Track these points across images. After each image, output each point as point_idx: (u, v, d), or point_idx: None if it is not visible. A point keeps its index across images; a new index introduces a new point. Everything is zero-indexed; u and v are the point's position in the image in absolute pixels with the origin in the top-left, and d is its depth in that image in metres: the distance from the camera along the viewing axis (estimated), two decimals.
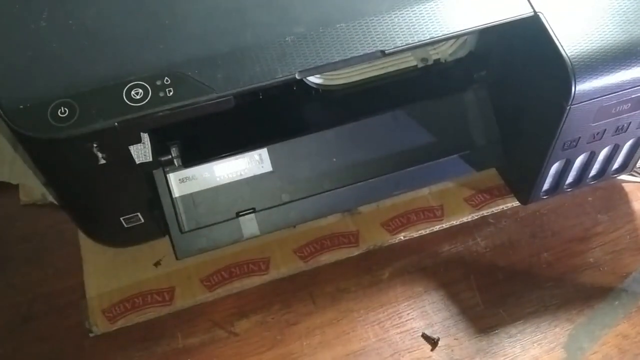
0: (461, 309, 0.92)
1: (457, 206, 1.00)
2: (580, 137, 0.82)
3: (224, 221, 0.83)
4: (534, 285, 0.94)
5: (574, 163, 0.87)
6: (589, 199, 1.02)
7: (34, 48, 0.69)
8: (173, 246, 0.81)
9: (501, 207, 1.01)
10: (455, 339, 0.90)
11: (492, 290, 0.94)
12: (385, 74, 0.88)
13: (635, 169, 0.97)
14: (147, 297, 0.91)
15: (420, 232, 0.98)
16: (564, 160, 0.86)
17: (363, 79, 0.88)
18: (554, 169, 0.87)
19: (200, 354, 0.89)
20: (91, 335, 0.89)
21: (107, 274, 0.93)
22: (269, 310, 0.92)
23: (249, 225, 0.84)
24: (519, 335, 0.90)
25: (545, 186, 0.91)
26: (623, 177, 0.96)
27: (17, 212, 1.01)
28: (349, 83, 0.87)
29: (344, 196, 0.88)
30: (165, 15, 0.72)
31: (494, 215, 1.01)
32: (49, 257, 0.96)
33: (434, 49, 0.89)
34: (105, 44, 0.70)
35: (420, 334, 0.90)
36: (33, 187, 1.00)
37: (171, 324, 0.91)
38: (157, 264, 0.93)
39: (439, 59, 0.89)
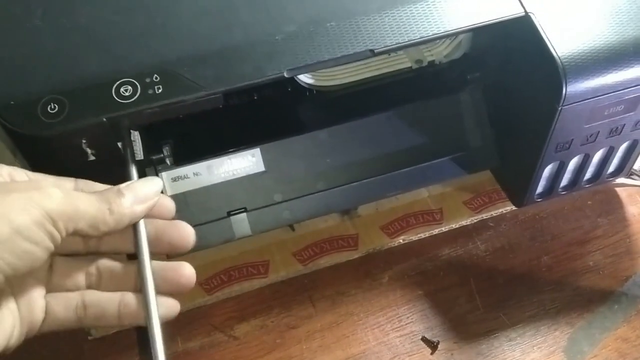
0: (461, 313, 0.92)
1: (456, 210, 1.01)
2: (573, 139, 0.82)
3: (216, 220, 0.83)
4: (533, 289, 0.94)
5: (567, 166, 0.87)
6: (589, 202, 1.02)
7: (27, 45, 0.70)
8: None
9: (501, 210, 1.01)
10: (455, 342, 0.90)
11: (491, 293, 0.94)
12: (379, 75, 0.88)
13: (635, 172, 0.97)
14: None
15: (419, 235, 0.99)
16: (557, 163, 0.86)
17: (357, 80, 0.88)
18: (547, 171, 0.87)
19: (200, 358, 0.89)
20: (90, 338, 0.90)
21: None
22: (268, 313, 0.93)
23: (241, 225, 0.84)
24: (518, 338, 0.90)
25: (539, 189, 0.90)
26: (623, 180, 0.96)
27: None
28: (343, 84, 0.87)
29: (337, 197, 0.88)
30: (157, 13, 0.73)
31: (493, 218, 1.01)
32: None
33: (429, 50, 0.89)
34: (96, 41, 0.71)
35: (420, 337, 0.90)
36: None
37: (170, 328, 0.90)
38: None
39: (433, 60, 0.89)
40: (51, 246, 0.54)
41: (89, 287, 0.63)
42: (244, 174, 0.84)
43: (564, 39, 0.74)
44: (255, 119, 0.88)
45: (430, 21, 0.74)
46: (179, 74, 0.69)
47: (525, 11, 0.76)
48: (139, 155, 0.73)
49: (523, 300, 0.93)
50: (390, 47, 0.73)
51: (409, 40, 0.73)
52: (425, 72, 0.90)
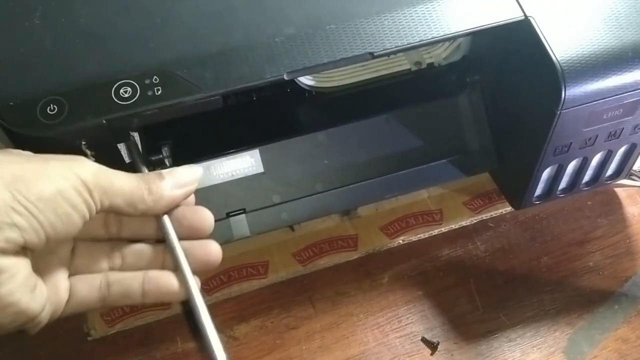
0: (461, 313, 0.92)
1: (456, 210, 1.01)
2: (572, 143, 0.81)
3: (215, 221, 0.83)
4: (533, 290, 0.94)
5: (566, 169, 0.87)
6: (589, 202, 1.02)
7: (27, 45, 0.70)
8: None
9: (500, 211, 1.01)
10: (454, 343, 0.90)
11: (491, 294, 0.94)
12: (378, 77, 0.88)
13: (635, 173, 0.97)
14: None
15: (419, 236, 0.99)
16: (556, 166, 0.86)
17: (357, 82, 0.88)
18: (546, 174, 0.87)
19: (200, 359, 0.89)
20: (90, 339, 0.90)
21: None
22: (268, 314, 0.93)
23: (239, 225, 0.84)
24: (518, 339, 0.90)
25: (538, 192, 0.90)
26: (622, 181, 0.96)
27: None
28: (342, 85, 0.88)
29: (335, 198, 0.88)
30: (156, 14, 0.73)
31: (493, 219, 1.01)
32: None
33: (428, 52, 0.89)
34: (96, 43, 0.71)
35: (420, 338, 0.90)
36: None
37: (170, 328, 0.91)
38: None
39: (432, 62, 0.89)
40: (87, 214, 0.56)
41: (112, 270, 0.65)
42: (243, 175, 0.84)
43: (563, 42, 0.74)
44: (254, 120, 0.88)
45: (429, 24, 0.74)
46: (179, 75, 0.69)
47: (525, 15, 0.75)
48: None
49: (523, 301, 0.93)
50: (390, 50, 0.73)
51: (408, 44, 0.73)
52: (424, 75, 0.90)
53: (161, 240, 0.66)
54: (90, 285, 0.63)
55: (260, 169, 0.84)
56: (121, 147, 0.72)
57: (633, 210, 1.02)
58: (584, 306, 0.92)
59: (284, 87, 0.85)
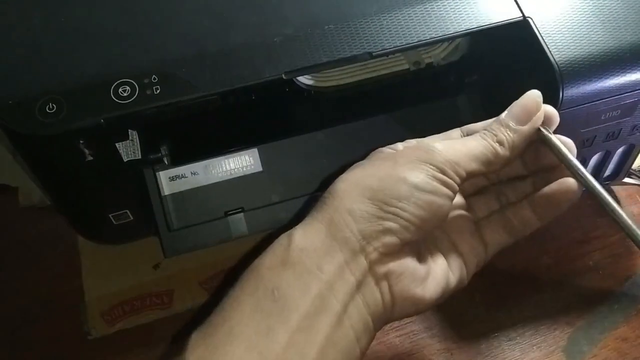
0: (460, 312, 0.92)
1: None
2: None
3: (213, 220, 0.83)
4: (533, 289, 0.94)
5: None
6: (589, 202, 1.02)
7: (26, 44, 0.71)
8: (161, 244, 0.82)
9: None
10: (454, 342, 0.90)
11: (491, 293, 0.94)
12: (377, 76, 0.88)
13: (635, 172, 0.97)
14: (146, 300, 0.91)
15: None
16: None
17: (355, 82, 0.87)
18: None
19: None
20: (90, 338, 0.90)
21: (106, 276, 0.93)
22: None
23: (238, 224, 0.84)
24: (518, 338, 0.90)
25: None
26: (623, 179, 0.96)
27: (16, 215, 1.02)
28: (341, 85, 0.87)
29: None
30: (155, 13, 0.74)
31: None
32: (48, 260, 0.97)
33: (427, 52, 0.89)
34: (95, 42, 0.71)
35: (420, 337, 0.90)
36: (32, 190, 1.00)
37: (170, 328, 0.91)
38: (156, 266, 0.94)
39: (431, 62, 0.89)
40: (448, 192, 0.64)
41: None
42: (241, 174, 0.84)
43: (561, 43, 0.74)
44: (253, 119, 0.88)
45: (428, 24, 0.74)
46: (177, 74, 0.69)
47: (524, 15, 0.76)
48: (137, 155, 0.73)
49: (523, 300, 0.93)
50: (388, 50, 0.73)
51: (407, 44, 0.73)
52: (423, 74, 0.89)
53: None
54: (495, 229, 0.71)
55: (259, 168, 0.84)
56: (119, 146, 0.72)
57: (633, 210, 1.01)
58: (584, 305, 0.92)
59: (282, 87, 0.85)
